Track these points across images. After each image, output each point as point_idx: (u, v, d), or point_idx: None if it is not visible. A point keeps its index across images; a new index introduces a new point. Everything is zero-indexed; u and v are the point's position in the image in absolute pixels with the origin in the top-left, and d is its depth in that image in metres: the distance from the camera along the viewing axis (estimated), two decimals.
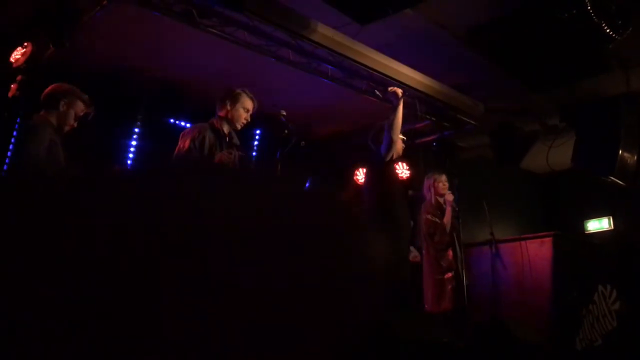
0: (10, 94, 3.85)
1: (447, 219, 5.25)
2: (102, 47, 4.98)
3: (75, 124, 3.54)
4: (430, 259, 5.15)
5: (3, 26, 4.26)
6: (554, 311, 5.09)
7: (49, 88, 3.57)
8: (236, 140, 3.83)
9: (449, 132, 6.89)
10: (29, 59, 4.02)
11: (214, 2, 4.34)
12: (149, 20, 4.55)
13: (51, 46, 4.06)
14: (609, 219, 7.92)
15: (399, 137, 4.37)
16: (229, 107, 3.76)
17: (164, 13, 4.34)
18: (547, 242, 5.38)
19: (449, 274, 4.99)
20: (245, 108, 3.79)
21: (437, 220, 5.16)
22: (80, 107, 3.55)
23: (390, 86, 4.64)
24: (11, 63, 3.92)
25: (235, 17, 4.55)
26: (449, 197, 5.32)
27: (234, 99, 3.77)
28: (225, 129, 3.76)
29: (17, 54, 3.99)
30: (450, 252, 5.11)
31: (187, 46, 5.11)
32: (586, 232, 8.05)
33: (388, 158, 4.22)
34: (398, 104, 4.25)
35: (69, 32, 4.04)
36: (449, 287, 4.94)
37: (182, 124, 5.97)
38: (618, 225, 7.79)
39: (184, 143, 3.55)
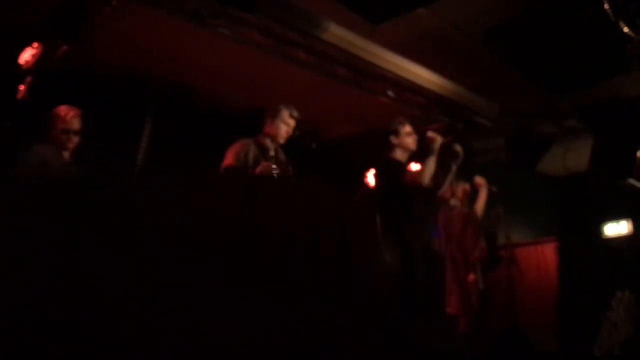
0: (19, 96, 3.83)
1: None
2: (111, 48, 4.94)
3: (72, 137, 3.68)
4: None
5: (11, 27, 4.23)
6: (570, 317, 4.98)
7: None
8: (282, 156, 3.93)
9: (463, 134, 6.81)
10: (39, 61, 4.00)
11: (225, 3, 4.29)
12: (159, 21, 4.51)
13: (62, 46, 4.04)
14: (628, 222, 7.78)
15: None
16: (269, 123, 3.91)
17: (174, 13, 4.30)
18: (562, 246, 5.27)
19: (472, 275, 4.92)
20: (285, 122, 3.90)
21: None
22: (67, 123, 3.68)
23: (408, 91, 4.51)
24: (20, 65, 3.90)
25: (245, 18, 4.49)
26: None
27: (274, 115, 3.91)
28: (269, 144, 3.87)
29: (26, 56, 3.96)
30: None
31: (196, 48, 5.06)
32: (604, 236, 7.90)
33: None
34: (433, 151, 4.02)
35: (81, 31, 4.03)
36: (475, 288, 4.88)
37: (193, 126, 5.91)
38: (637, 229, 7.64)
39: (229, 158, 3.69)
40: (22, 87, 3.78)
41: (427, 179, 3.96)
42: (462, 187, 5.25)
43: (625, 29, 4.30)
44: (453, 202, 5.21)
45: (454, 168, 4.18)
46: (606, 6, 4.15)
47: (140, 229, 0.86)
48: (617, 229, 7.91)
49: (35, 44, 4.01)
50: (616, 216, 7.88)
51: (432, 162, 4.00)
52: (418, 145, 4.31)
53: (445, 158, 4.15)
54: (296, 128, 3.94)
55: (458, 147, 4.16)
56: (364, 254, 1.28)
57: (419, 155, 4.33)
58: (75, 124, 3.70)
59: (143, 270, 0.79)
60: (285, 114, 3.91)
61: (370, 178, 7.18)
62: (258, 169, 3.63)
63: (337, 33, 4.71)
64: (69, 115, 3.69)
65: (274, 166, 3.64)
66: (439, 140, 4.05)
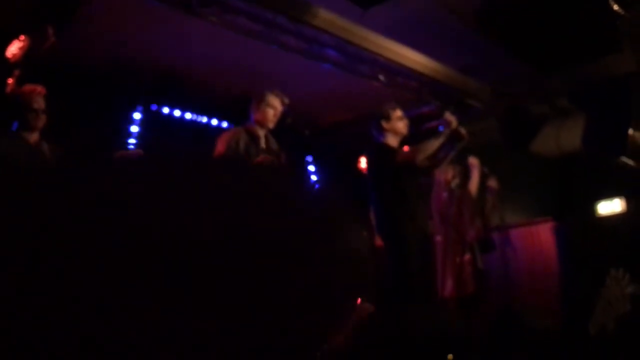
0: (8, 90, 3.79)
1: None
2: (100, 37, 4.90)
3: (39, 115, 3.55)
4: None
5: None
6: (565, 296, 5.02)
7: None
8: (273, 144, 3.92)
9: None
10: (26, 53, 3.96)
11: None
12: (147, 9, 4.47)
13: (50, 38, 4.00)
14: (622, 200, 7.80)
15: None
16: (256, 109, 3.89)
17: (163, 2, 4.26)
18: (555, 226, 5.30)
19: (468, 256, 4.91)
20: (271, 106, 3.87)
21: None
22: (32, 102, 3.56)
23: (399, 75, 4.46)
24: (7, 58, 3.86)
25: (235, 4, 4.46)
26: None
27: (260, 100, 3.89)
28: (259, 131, 3.87)
29: (13, 49, 3.92)
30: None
31: (187, 35, 5.02)
32: (598, 215, 7.92)
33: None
34: (445, 134, 4.03)
35: (68, 21, 3.99)
36: (469, 269, 4.87)
37: (181, 114, 5.92)
38: (630, 207, 7.66)
39: (220, 146, 3.70)
40: (10, 81, 3.74)
41: (422, 157, 3.95)
42: (456, 169, 5.25)
43: (615, 7, 4.29)
44: (447, 184, 5.21)
45: (455, 150, 4.17)
46: None
47: (128, 218, 0.86)
48: (610, 207, 7.92)
49: (22, 37, 3.97)
50: (609, 194, 7.89)
51: (437, 143, 3.98)
52: (411, 128, 4.30)
53: (448, 140, 4.13)
54: (289, 115, 3.93)
55: (463, 130, 4.14)
56: (354, 241, 1.28)
57: (411, 138, 4.32)
58: (41, 102, 3.57)
59: (130, 265, 0.78)
60: (270, 97, 3.89)
61: (364, 163, 7.18)
62: (258, 160, 3.63)
63: (327, 18, 4.68)
64: (33, 93, 3.59)
65: (266, 158, 3.65)
66: (454, 124, 4.04)
